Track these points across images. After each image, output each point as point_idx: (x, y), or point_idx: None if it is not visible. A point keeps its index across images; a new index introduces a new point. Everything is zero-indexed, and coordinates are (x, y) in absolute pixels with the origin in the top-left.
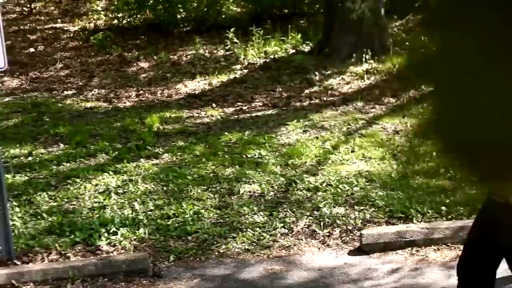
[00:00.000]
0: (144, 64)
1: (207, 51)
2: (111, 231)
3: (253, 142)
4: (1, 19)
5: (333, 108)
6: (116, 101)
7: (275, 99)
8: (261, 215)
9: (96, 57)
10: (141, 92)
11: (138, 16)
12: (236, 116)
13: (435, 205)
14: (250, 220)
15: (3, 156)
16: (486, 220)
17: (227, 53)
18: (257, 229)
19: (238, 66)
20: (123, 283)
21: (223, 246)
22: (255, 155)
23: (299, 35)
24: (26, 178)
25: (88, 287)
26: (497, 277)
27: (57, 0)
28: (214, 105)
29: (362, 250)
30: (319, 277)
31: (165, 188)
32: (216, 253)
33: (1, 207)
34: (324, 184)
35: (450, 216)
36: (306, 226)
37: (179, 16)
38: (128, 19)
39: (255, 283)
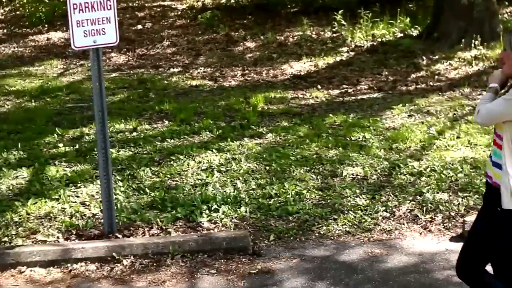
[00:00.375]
0: (250, 44)
1: (314, 32)
2: (212, 208)
3: (358, 125)
4: None
5: (440, 93)
6: (221, 80)
7: (381, 82)
8: (363, 198)
9: (203, 35)
10: (247, 71)
11: None
12: (341, 99)
13: None
14: (352, 202)
15: (108, 131)
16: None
17: (334, 35)
18: (359, 211)
19: (344, 49)
20: (222, 260)
21: (324, 228)
22: (359, 138)
23: (408, 19)
24: (130, 153)
25: (188, 263)
26: None
27: None
28: (319, 86)
29: (464, 237)
30: (419, 262)
31: (267, 167)
32: (317, 234)
33: (106, 180)
34: (428, 170)
35: None
36: (408, 210)
37: None
38: None
39: (354, 266)
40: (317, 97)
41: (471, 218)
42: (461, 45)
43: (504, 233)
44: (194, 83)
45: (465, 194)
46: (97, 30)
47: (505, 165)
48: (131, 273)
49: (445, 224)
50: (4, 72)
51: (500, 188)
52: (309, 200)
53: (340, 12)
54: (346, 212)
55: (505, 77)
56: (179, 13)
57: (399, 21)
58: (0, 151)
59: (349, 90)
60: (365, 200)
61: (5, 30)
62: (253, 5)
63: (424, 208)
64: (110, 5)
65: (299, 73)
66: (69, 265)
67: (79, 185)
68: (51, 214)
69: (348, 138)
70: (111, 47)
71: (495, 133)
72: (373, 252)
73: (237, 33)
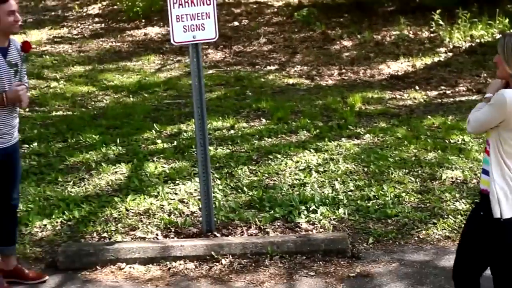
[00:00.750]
0: (347, 43)
1: (411, 32)
2: (310, 209)
3: (457, 127)
4: None
5: None
6: (318, 78)
7: (480, 84)
8: (463, 202)
9: (299, 33)
10: (344, 70)
11: None
12: (439, 100)
13: None
14: (451, 206)
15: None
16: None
17: (432, 35)
18: (459, 216)
19: (442, 49)
20: (321, 262)
21: (423, 232)
22: (458, 140)
23: (507, 20)
24: (228, 151)
25: (286, 264)
26: None
27: None
28: (417, 87)
29: None
30: None
31: (365, 169)
32: (416, 238)
33: (205, 178)
34: None
35: None
36: None
37: None
38: None
39: None
40: (415, 98)
41: None
42: None
43: (493, 241)
44: (290, 81)
45: None
46: (196, 25)
47: (491, 171)
48: (230, 272)
49: None
50: (102, 66)
51: (489, 195)
52: (408, 203)
53: (438, 11)
54: (445, 216)
55: (502, 86)
56: (275, 10)
57: (498, 22)
58: (99, 146)
59: (447, 92)
60: (465, 205)
61: (103, 25)
62: (350, 3)
63: None
64: (209, 0)
65: (396, 73)
66: (168, 263)
67: (177, 182)
68: (150, 211)
69: (447, 141)
70: (208, 43)
71: (487, 140)
72: None
73: (333, 32)
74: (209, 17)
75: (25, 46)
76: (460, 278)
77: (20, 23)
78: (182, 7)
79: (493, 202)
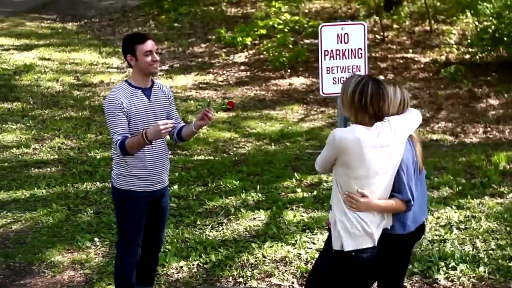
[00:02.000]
0: (493, 101)
1: None
2: (450, 265)
3: None
4: (367, 44)
5: None
6: (462, 135)
7: None
8: None
9: (445, 90)
10: (489, 129)
11: (492, 53)
12: None
13: None
14: None
15: None
16: None
17: None
18: None
19: None
20: None
21: None
22: None
23: None
24: None
25: None
26: None
27: (410, 31)
28: None
29: None
30: None
31: (508, 228)
32: None
33: None
34: None
35: None
36: None
37: None
38: (481, 55)
39: None
40: None
41: None
42: None
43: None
44: (434, 137)
45: None
46: (346, 78)
47: (333, 205)
48: None
49: None
50: (246, 114)
51: (331, 228)
52: None
53: None
54: None
55: None
56: (422, 66)
57: None
58: (239, 192)
59: None
60: None
61: (248, 73)
62: (498, 63)
63: None
64: (361, 54)
65: None
66: None
67: (315, 231)
68: (287, 259)
69: None
70: None
71: None
72: None
73: (480, 90)
74: (359, 70)
75: (230, 104)
76: None
77: (157, 65)
78: (334, 59)
79: (334, 235)
